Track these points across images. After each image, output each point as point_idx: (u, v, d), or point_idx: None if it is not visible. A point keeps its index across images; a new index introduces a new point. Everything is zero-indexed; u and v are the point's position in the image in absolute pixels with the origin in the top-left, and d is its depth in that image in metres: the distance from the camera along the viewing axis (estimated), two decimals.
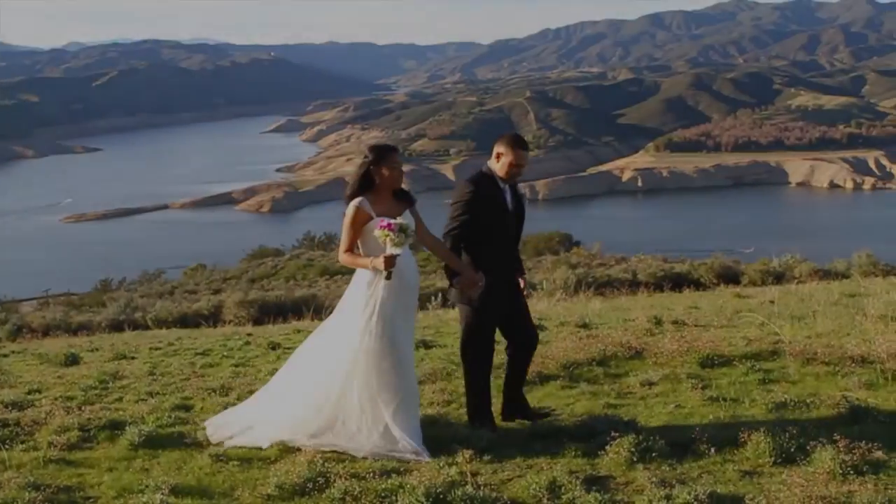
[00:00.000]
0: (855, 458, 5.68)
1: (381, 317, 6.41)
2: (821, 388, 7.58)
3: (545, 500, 5.42)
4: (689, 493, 5.24)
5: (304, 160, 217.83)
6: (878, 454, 5.86)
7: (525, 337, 7.12)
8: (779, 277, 22.70)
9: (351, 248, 6.54)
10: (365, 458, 6.24)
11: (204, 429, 7.02)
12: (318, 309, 19.75)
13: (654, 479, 5.58)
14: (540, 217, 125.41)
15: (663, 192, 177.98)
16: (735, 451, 6.06)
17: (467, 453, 6.18)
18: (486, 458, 6.18)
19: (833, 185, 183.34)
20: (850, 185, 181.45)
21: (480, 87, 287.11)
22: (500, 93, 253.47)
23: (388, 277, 6.39)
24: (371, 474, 5.86)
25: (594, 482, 5.65)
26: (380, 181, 6.56)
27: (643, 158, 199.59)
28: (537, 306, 16.37)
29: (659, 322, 10.91)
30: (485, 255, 6.82)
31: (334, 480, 5.72)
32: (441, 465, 6.06)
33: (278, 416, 6.66)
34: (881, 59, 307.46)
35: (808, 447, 5.93)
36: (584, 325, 11.41)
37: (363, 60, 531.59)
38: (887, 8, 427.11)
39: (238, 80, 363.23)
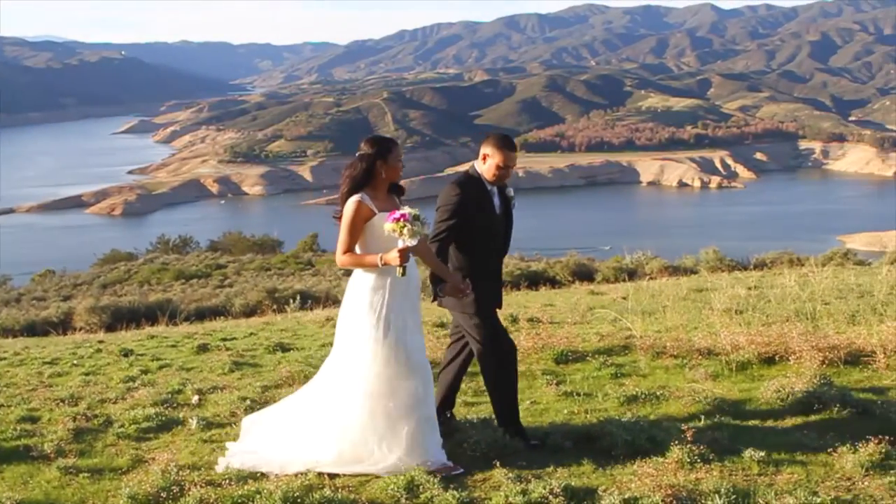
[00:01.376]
0: (702, 448, 5.88)
1: (391, 323, 5.97)
2: (670, 381, 7.84)
3: (403, 500, 5.44)
4: (545, 488, 5.34)
5: (157, 161, 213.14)
6: (724, 442, 6.10)
7: (501, 351, 6.54)
8: (631, 274, 23.29)
9: (351, 249, 6.05)
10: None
11: (52, 441, 6.77)
12: (173, 314, 19.32)
13: (510, 475, 5.65)
14: None
15: (519, 192, 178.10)
16: (589, 445, 6.20)
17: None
18: None
19: (682, 184, 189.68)
20: (697, 183, 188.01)
21: (337, 88, 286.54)
22: (357, 94, 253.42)
23: (404, 273, 5.96)
24: (227, 481, 5.76)
25: (452, 480, 5.68)
26: (384, 176, 6.14)
27: None
28: None
29: (515, 320, 11.07)
30: (473, 262, 6.45)
31: (189, 489, 5.60)
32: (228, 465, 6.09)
33: (300, 450, 6.07)
34: (725, 62, 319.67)
35: (658, 438, 6.10)
36: (442, 325, 11.48)
37: (218, 60, 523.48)
38: (730, 14, 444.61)
39: (87, 79, 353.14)
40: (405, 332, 6.02)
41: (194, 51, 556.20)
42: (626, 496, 5.27)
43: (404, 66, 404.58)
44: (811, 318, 10.07)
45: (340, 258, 6.10)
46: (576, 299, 15.32)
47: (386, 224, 5.88)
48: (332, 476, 5.82)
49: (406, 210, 5.91)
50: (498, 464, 5.82)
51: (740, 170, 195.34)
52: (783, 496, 5.17)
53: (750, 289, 14.16)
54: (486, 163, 6.51)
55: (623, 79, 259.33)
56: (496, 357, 6.43)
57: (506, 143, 6.52)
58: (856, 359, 8.00)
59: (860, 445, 5.92)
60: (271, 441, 6.25)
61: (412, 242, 5.88)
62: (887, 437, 6.13)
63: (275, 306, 19.44)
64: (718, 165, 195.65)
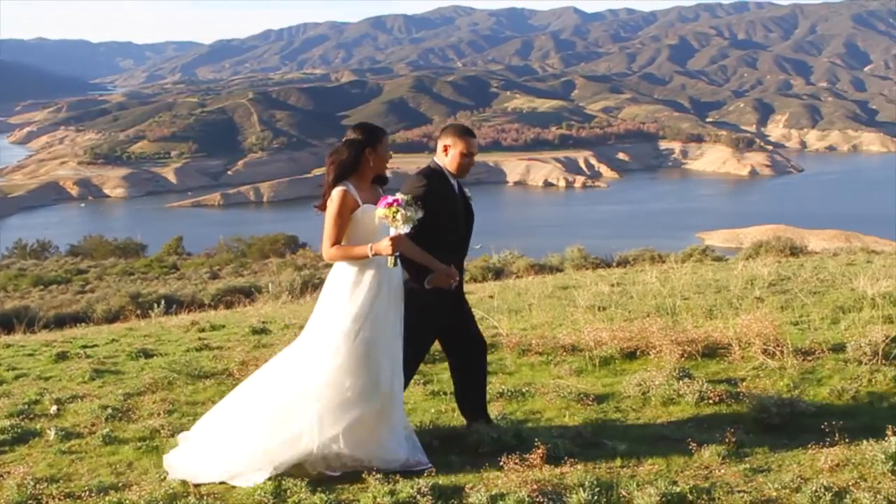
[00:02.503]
0: (566, 442, 6.00)
1: (368, 322, 5.72)
2: (535, 377, 7.96)
3: None
4: (413, 487, 5.35)
5: (13, 163, 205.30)
6: (588, 436, 6.23)
7: (478, 342, 6.52)
8: (498, 273, 23.55)
9: (339, 241, 5.77)
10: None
11: None
12: (31, 321, 18.65)
13: (378, 475, 5.63)
14: (265, 219, 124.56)
15: (388, 192, 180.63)
16: (457, 443, 6.24)
17: None
18: None
19: (547, 184, 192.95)
20: (562, 183, 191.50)
21: (202, 88, 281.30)
22: (222, 94, 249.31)
23: (396, 263, 5.71)
24: (87, 492, 5.60)
25: (320, 483, 5.64)
26: (371, 165, 5.94)
27: None
28: (262, 310, 16.22)
29: None
30: (436, 258, 6.08)
31: (47, 502, 5.42)
32: (162, 476, 5.89)
33: (239, 446, 5.77)
34: (588, 64, 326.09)
35: (524, 434, 6.18)
36: None
37: (76, 59, 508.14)
38: (593, 18, 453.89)
39: None
40: (385, 328, 5.79)
41: (51, 48, 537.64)
42: (493, 493, 5.32)
43: (270, 67, 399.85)
44: (671, 313, 10.37)
45: (328, 251, 5.81)
46: None
47: (378, 210, 5.70)
48: (198, 484, 5.70)
49: (398, 196, 5.72)
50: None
51: (604, 169, 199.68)
52: (645, 487, 5.30)
53: (613, 286, 14.51)
54: (449, 153, 6.37)
55: (489, 80, 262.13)
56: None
57: (466, 131, 6.44)
58: (713, 351, 8.27)
59: (717, 435, 6.12)
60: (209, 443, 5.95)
61: (405, 229, 5.66)
62: (742, 426, 6.37)
63: (138, 311, 18.96)
64: (582, 165, 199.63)
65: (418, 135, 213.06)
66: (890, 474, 5.29)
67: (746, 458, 5.79)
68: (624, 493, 5.29)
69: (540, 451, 5.77)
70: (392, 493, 5.33)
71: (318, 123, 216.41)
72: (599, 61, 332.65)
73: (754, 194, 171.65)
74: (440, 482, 5.50)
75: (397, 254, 5.70)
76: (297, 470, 5.68)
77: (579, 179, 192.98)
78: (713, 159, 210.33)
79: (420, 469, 5.76)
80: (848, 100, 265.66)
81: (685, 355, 8.11)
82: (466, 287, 17.27)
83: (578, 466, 5.70)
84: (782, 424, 6.39)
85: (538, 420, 6.66)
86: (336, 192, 5.78)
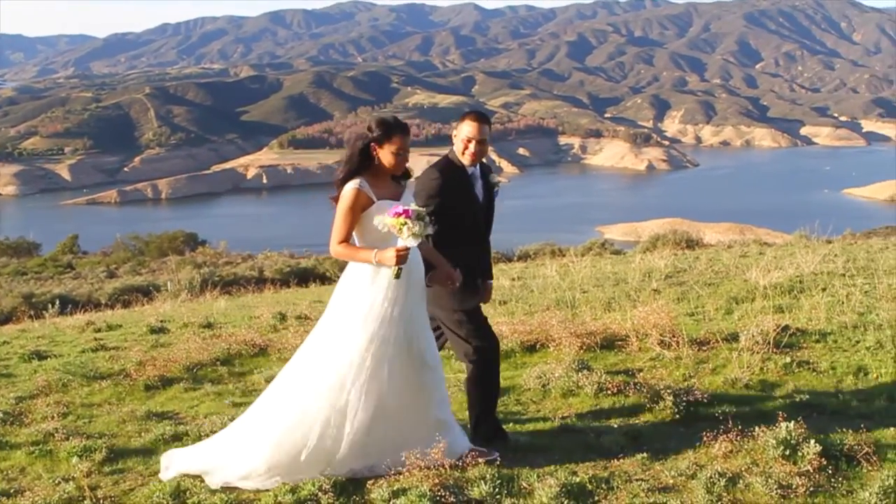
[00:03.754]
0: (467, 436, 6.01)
1: (392, 318, 5.45)
2: None
3: None
4: (314, 485, 5.32)
5: None
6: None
7: (491, 340, 6.16)
8: None
9: (347, 239, 5.47)
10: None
11: None
12: None
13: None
14: (164, 217, 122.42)
15: (288, 189, 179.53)
16: None
17: (83, 466, 5.89)
18: (105, 469, 5.93)
19: None
20: None
21: (96, 83, 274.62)
22: (118, 89, 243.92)
23: (398, 276, 5.40)
24: None
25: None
26: (377, 163, 5.55)
27: (267, 155, 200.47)
28: (161, 309, 15.95)
29: (283, 318, 10.98)
30: (450, 253, 5.86)
31: None
32: (57, 480, 5.74)
33: (257, 454, 5.51)
34: (488, 60, 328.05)
35: None
36: (209, 325, 11.24)
37: None
38: (493, 14, 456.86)
39: None
40: (412, 324, 5.53)
41: None
42: (395, 488, 5.31)
43: (167, 61, 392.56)
44: (571, 306, 10.51)
45: (335, 248, 5.51)
46: None
47: (386, 218, 5.36)
48: (93, 488, 5.57)
49: (410, 206, 5.38)
50: None
51: (504, 165, 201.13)
52: (545, 478, 5.36)
53: (514, 279, 14.65)
54: (455, 141, 6.04)
55: (390, 76, 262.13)
56: (480, 356, 5.99)
57: (473, 115, 6.07)
58: (611, 343, 8.40)
59: (615, 425, 6.23)
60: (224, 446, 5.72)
61: (412, 243, 5.37)
62: (640, 416, 6.49)
63: (31, 312, 18.45)
64: (484, 161, 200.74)
65: (319, 130, 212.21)
66: (781, 459, 5.43)
67: (644, 447, 5.89)
68: (525, 484, 5.34)
69: (441, 445, 5.78)
70: (293, 490, 5.28)
71: (216, 119, 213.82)
72: (499, 57, 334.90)
73: (652, 188, 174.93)
74: (342, 479, 5.46)
75: (401, 266, 5.40)
76: (313, 474, 5.46)
77: None
78: (611, 154, 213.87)
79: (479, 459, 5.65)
80: (741, 96, 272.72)
81: (584, 347, 8.22)
82: None
83: (480, 460, 5.72)
84: (678, 413, 6.51)
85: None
86: (348, 189, 5.49)
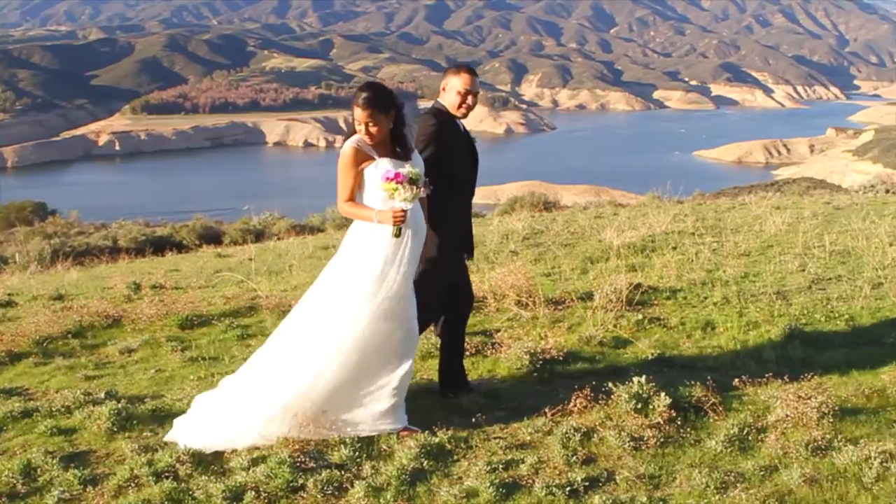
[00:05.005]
0: None
1: (400, 274, 5.46)
2: None
3: (20, 486, 5.11)
4: (171, 456, 5.24)
5: None
6: None
7: (468, 303, 6.41)
8: (259, 235, 23.28)
9: (352, 197, 5.48)
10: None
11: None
12: None
13: (136, 446, 5.47)
14: (10, 186, 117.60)
15: (142, 156, 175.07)
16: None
17: None
18: None
19: (307, 144, 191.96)
20: (322, 143, 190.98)
21: None
22: None
23: (398, 234, 5.41)
24: None
25: (73, 459, 5.40)
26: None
27: (120, 121, 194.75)
28: (9, 282, 15.35)
29: (138, 287, 10.70)
30: (446, 208, 5.94)
31: None
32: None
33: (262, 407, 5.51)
34: (346, 24, 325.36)
35: None
36: (59, 297, 10.86)
37: None
38: None
39: None
40: (407, 285, 5.54)
41: None
42: (255, 455, 5.29)
43: (10, 23, 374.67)
44: None
45: (341, 206, 5.55)
46: (202, 263, 15.09)
47: (380, 183, 5.37)
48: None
49: (404, 169, 5.33)
50: (122, 436, 5.64)
51: None
52: (404, 440, 5.44)
53: None
54: (448, 94, 6.03)
55: (246, 39, 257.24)
56: (456, 311, 6.19)
57: (466, 67, 6.15)
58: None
59: (474, 385, 6.33)
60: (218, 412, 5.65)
61: (407, 206, 5.35)
62: (498, 376, 6.60)
63: None
64: (342, 125, 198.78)
65: (173, 95, 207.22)
66: (633, 413, 5.61)
67: (502, 406, 5.99)
68: (384, 447, 5.38)
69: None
70: (150, 463, 5.18)
71: (65, 83, 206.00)
72: (357, 21, 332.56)
73: (510, 152, 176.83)
74: (200, 448, 5.39)
75: (401, 226, 5.40)
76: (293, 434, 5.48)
77: (339, 139, 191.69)
78: (470, 118, 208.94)
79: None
80: (596, 60, 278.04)
81: None
82: (226, 250, 16.86)
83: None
84: (535, 372, 6.63)
85: None
86: (346, 147, 5.50)
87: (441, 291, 6.04)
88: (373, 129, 5.41)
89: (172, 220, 31.94)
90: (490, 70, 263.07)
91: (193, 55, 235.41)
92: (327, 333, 5.47)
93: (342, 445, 5.32)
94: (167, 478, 5.06)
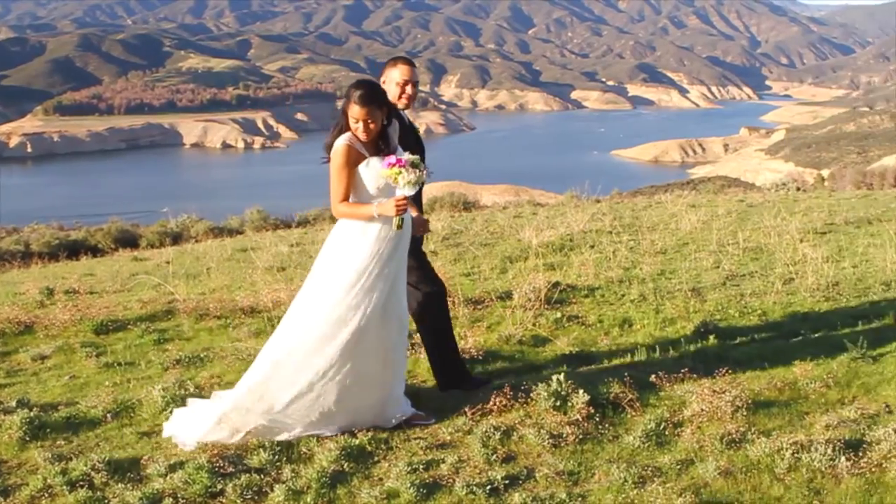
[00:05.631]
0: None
1: (383, 274, 5.44)
2: (214, 342, 7.81)
3: None
4: (86, 464, 5.13)
5: None
6: None
7: (444, 291, 6.35)
8: (176, 238, 22.97)
9: (347, 197, 5.43)
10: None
11: None
12: None
13: (49, 455, 5.36)
14: None
15: (56, 158, 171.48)
16: (132, 414, 6.03)
17: None
18: None
19: (226, 146, 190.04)
20: (241, 144, 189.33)
21: None
22: None
23: (400, 226, 5.38)
24: None
25: None
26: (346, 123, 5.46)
27: (31, 123, 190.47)
28: None
29: (51, 293, 10.47)
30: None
31: None
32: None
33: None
34: (264, 24, 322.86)
35: (204, 397, 6.08)
36: None
37: None
38: None
39: None
40: (397, 283, 5.55)
41: None
42: (173, 462, 5.22)
43: None
44: None
45: (337, 208, 5.48)
46: (118, 267, 14.82)
47: (381, 170, 5.31)
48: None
49: (404, 156, 5.33)
50: (35, 445, 5.52)
51: (282, 130, 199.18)
52: (325, 442, 5.41)
53: (292, 245, 14.55)
54: (388, 86, 6.01)
55: (162, 39, 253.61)
56: (430, 301, 6.15)
57: (403, 59, 6.15)
58: None
59: None
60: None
61: (409, 192, 5.30)
62: (418, 377, 6.59)
63: None
64: (261, 126, 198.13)
65: (87, 96, 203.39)
66: (552, 410, 5.66)
67: (423, 407, 5.98)
68: (304, 450, 5.35)
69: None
70: (64, 472, 5.07)
71: None
72: (275, 21, 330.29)
73: (429, 152, 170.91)
74: (116, 456, 5.32)
75: (402, 216, 5.39)
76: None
77: (258, 140, 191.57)
78: None
79: (418, 423, 5.73)
80: (514, 61, 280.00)
81: None
82: (143, 253, 16.61)
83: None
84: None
85: (218, 385, 6.55)
86: (338, 145, 5.42)
87: (424, 268, 6.16)
88: (372, 126, 5.39)
89: (87, 224, 31.32)
90: None
91: (108, 55, 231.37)
92: (324, 332, 5.46)
93: (261, 449, 5.28)
94: (82, 487, 4.96)
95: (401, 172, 5.25)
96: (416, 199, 6.07)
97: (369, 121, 5.36)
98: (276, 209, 28.18)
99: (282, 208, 29.41)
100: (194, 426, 5.57)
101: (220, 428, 5.49)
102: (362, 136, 5.40)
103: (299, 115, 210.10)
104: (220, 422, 5.49)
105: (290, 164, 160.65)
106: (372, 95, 5.39)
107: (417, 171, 5.29)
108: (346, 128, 5.44)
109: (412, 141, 6.08)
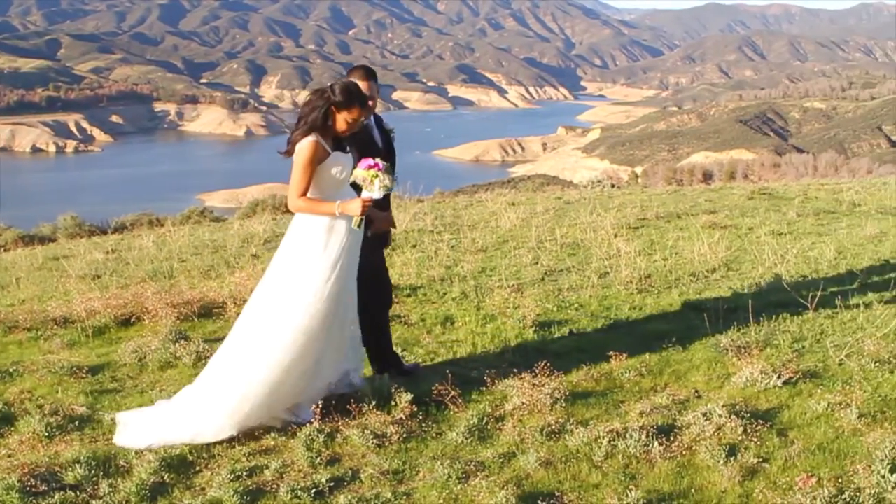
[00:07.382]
0: (59, 419, 5.73)
1: (344, 265, 5.63)
2: (24, 355, 7.47)
3: None
4: None
5: None
6: (83, 411, 5.97)
7: (389, 291, 6.61)
8: None
9: (305, 192, 5.55)
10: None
11: None
12: None
13: None
14: None
15: None
16: None
17: None
18: None
19: (36, 150, 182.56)
20: (52, 148, 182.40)
21: None
22: None
23: (360, 225, 5.58)
24: None
25: None
26: (332, 125, 5.59)
27: None
28: None
29: None
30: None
31: None
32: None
33: (226, 403, 5.52)
34: (75, 22, 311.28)
35: (12, 415, 5.85)
36: None
37: None
38: None
39: None
40: (351, 276, 5.74)
41: None
42: None
43: None
44: (168, 276, 10.30)
45: (295, 202, 5.59)
46: None
47: (357, 171, 5.54)
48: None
49: (379, 160, 5.53)
50: None
51: (97, 133, 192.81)
52: (143, 454, 5.27)
53: (108, 252, 14.10)
54: None
55: None
56: (378, 300, 6.32)
57: (361, 71, 6.24)
58: (209, 311, 8.31)
59: None
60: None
61: (378, 195, 5.51)
62: None
63: None
64: (74, 129, 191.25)
65: None
66: (376, 410, 5.67)
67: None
68: (123, 463, 5.19)
69: (30, 430, 5.50)
70: None
71: None
72: (87, 19, 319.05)
73: (251, 154, 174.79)
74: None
75: (363, 217, 5.57)
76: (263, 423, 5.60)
77: (70, 144, 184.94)
78: (209, 120, 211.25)
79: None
80: (335, 62, 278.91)
81: (181, 317, 8.07)
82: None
83: (75, 443, 5.48)
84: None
85: (29, 400, 6.26)
86: (306, 143, 5.55)
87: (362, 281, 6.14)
88: (370, 103, 5.87)
89: None
90: (228, 71, 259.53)
91: None
92: (281, 325, 5.59)
93: (77, 465, 5.07)
94: None
95: (377, 175, 5.48)
96: (384, 201, 6.20)
97: (357, 121, 5.68)
98: (91, 215, 27.17)
99: (97, 214, 28.38)
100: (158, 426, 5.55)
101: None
102: (344, 131, 5.63)
103: (114, 118, 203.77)
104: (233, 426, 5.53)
105: (106, 167, 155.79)
106: (366, 100, 5.74)
107: (390, 176, 5.54)
108: (318, 126, 5.57)
109: (383, 142, 6.31)
